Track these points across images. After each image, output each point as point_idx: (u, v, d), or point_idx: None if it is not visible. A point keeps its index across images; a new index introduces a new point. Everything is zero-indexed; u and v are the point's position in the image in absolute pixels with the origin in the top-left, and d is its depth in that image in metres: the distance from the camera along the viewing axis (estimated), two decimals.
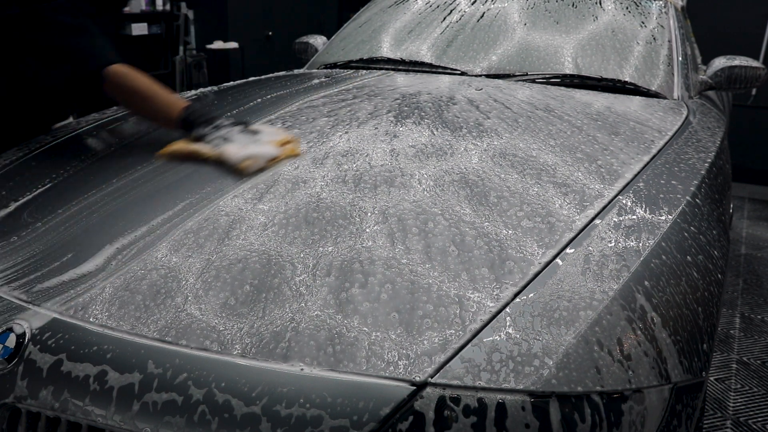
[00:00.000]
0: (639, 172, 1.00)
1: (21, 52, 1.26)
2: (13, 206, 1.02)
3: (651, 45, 1.72)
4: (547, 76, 1.62)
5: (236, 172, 1.03)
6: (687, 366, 0.72)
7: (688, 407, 0.72)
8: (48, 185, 1.08)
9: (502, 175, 0.96)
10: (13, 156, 1.25)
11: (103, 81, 1.24)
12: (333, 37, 2.27)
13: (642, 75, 1.61)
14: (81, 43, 1.27)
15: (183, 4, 5.10)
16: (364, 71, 1.79)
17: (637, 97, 1.51)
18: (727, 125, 1.83)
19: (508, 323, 0.67)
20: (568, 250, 0.78)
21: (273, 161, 1.05)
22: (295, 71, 2.06)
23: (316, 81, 1.70)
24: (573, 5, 1.88)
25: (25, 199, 1.04)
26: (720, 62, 1.90)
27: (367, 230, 0.82)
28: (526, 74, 1.64)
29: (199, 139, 1.15)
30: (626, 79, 1.58)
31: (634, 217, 0.86)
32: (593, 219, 0.85)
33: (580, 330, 0.67)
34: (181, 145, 1.16)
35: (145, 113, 1.30)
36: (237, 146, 1.08)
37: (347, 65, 1.92)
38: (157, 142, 1.21)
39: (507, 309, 0.69)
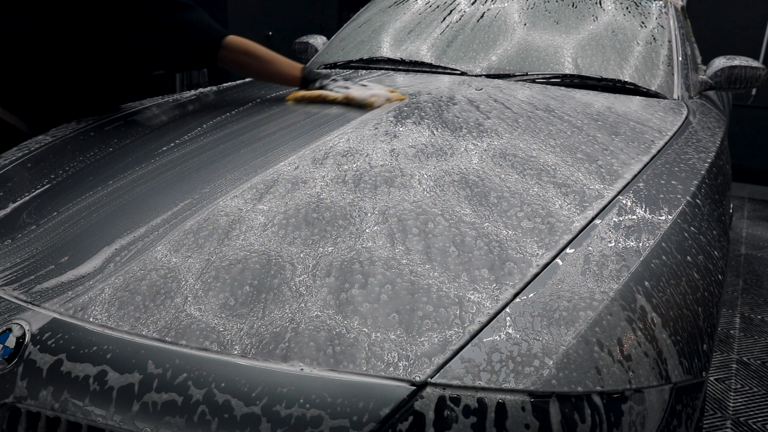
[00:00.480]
0: (639, 172, 1.00)
1: (145, 30, 1.39)
2: (12, 206, 1.02)
3: (651, 45, 1.72)
4: (547, 76, 1.62)
5: (365, 106, 1.33)
6: (687, 366, 0.72)
7: (688, 407, 0.72)
8: (47, 185, 1.08)
9: (503, 176, 0.96)
10: (13, 156, 1.25)
11: (219, 50, 1.43)
12: (333, 37, 2.27)
13: (642, 75, 1.61)
14: (195, 18, 1.44)
15: None
16: (364, 71, 1.79)
17: (637, 97, 1.51)
18: (727, 125, 1.83)
19: (508, 323, 0.67)
20: (568, 251, 0.78)
21: (388, 101, 1.35)
22: None
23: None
24: (573, 5, 1.88)
25: (24, 200, 1.04)
26: (720, 62, 1.90)
27: (367, 231, 0.82)
28: (526, 74, 1.64)
29: (321, 88, 1.44)
30: (626, 79, 1.58)
31: (634, 217, 0.86)
32: (593, 219, 0.85)
33: (580, 330, 0.67)
34: (305, 92, 1.44)
35: (268, 75, 1.53)
36: (359, 90, 1.38)
37: (347, 65, 1.92)
38: (155, 143, 1.21)
39: (507, 309, 0.69)
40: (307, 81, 1.48)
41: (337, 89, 1.40)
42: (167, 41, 1.41)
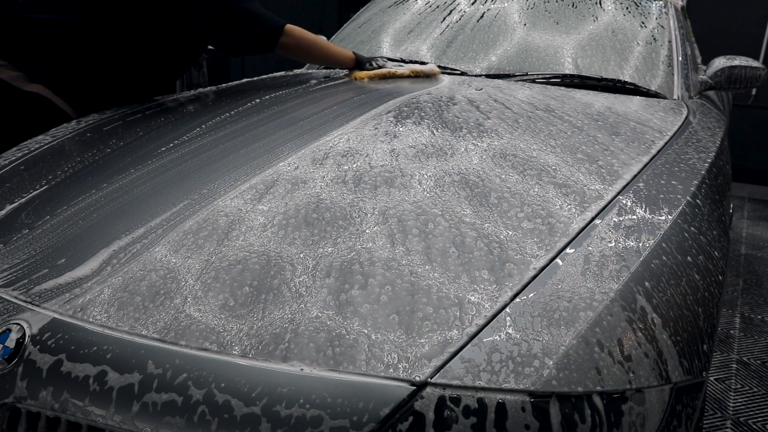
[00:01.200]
0: (639, 173, 1.00)
1: (213, 20, 1.48)
2: (12, 207, 1.02)
3: (651, 45, 1.72)
4: (547, 76, 1.62)
5: (431, 77, 1.60)
6: (687, 367, 0.72)
7: (688, 407, 0.72)
8: (46, 186, 1.08)
9: (503, 176, 0.96)
10: (12, 156, 1.25)
11: (280, 36, 1.55)
12: (333, 37, 2.27)
13: (642, 75, 1.61)
14: (254, 7, 1.53)
15: None
16: None
17: (637, 97, 1.51)
18: (727, 125, 1.83)
19: (508, 323, 0.67)
20: (568, 251, 0.78)
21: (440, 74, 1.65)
22: (295, 71, 2.06)
23: (314, 81, 1.70)
24: (573, 5, 1.88)
25: (23, 200, 1.04)
26: (720, 62, 1.90)
27: (367, 231, 0.82)
28: (526, 74, 1.64)
29: (380, 67, 1.67)
30: (626, 79, 1.58)
31: (634, 217, 0.86)
32: (593, 219, 0.85)
33: (581, 330, 0.67)
34: (375, 72, 1.66)
35: (326, 59, 1.69)
36: (418, 66, 1.63)
37: None
38: (154, 143, 1.21)
39: (507, 309, 0.69)
40: (360, 62, 1.69)
41: (396, 67, 1.64)
42: (234, 29, 1.51)
